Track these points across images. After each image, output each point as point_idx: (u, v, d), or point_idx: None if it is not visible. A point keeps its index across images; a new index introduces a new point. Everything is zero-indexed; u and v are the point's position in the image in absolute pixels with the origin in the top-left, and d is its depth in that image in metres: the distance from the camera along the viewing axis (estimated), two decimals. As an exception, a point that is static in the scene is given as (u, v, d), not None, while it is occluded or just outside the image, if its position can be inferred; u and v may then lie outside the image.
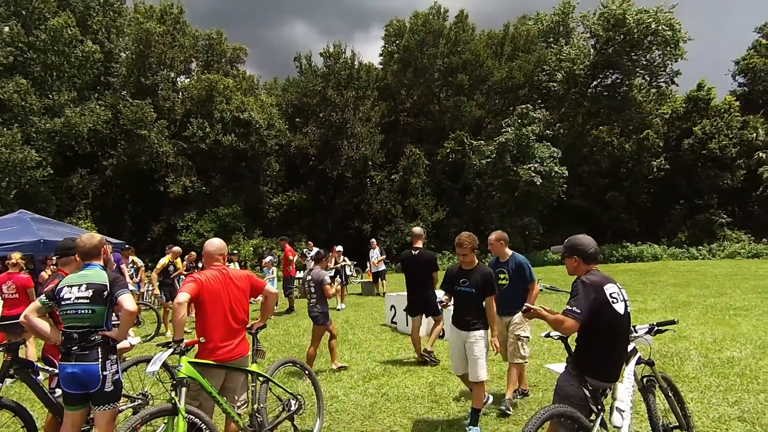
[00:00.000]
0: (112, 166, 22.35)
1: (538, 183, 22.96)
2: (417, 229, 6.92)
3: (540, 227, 24.84)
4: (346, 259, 14.19)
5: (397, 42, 30.33)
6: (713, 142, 25.40)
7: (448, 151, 26.88)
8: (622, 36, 25.89)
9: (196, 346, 3.41)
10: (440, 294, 4.91)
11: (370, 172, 26.37)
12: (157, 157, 22.63)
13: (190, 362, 3.17)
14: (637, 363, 3.28)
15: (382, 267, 14.26)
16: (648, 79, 28.01)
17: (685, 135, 27.12)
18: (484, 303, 4.28)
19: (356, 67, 27.60)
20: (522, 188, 23.50)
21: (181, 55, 25.45)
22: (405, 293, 8.83)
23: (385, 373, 5.78)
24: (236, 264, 11.04)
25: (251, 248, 22.73)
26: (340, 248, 13.69)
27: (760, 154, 25.22)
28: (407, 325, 8.25)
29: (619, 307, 2.78)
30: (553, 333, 2.88)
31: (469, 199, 27.48)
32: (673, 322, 3.45)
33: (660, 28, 25.02)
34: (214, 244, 3.62)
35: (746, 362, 5.71)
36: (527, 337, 4.76)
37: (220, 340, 3.35)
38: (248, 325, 3.69)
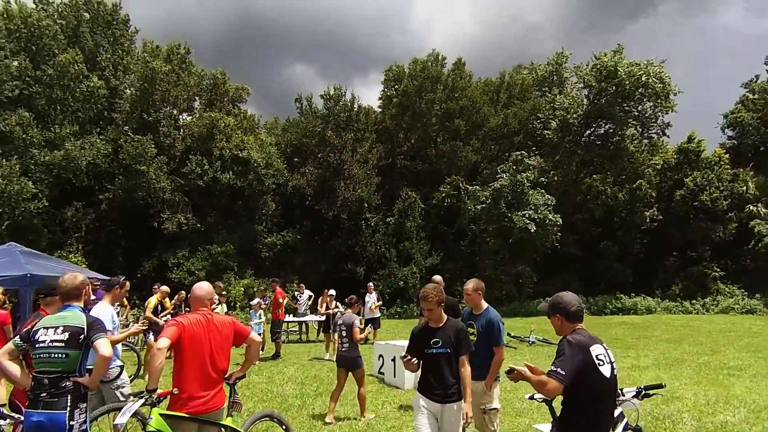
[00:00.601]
0: (108, 201, 22.35)
1: (532, 230, 23.05)
2: (437, 277, 7.06)
3: (534, 275, 24.77)
4: (338, 304, 13.03)
5: (396, 87, 31.12)
6: (705, 194, 25.75)
7: (443, 195, 27.11)
8: (614, 87, 26.68)
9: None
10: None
11: (366, 214, 26.45)
12: (153, 193, 22.68)
13: (161, 414, 3.07)
14: (624, 429, 3.19)
15: (377, 314, 13.92)
16: (640, 129, 28.66)
17: (677, 186, 27.52)
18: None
19: (355, 109, 28.21)
20: (516, 235, 23.57)
21: (185, 93, 25.96)
22: (394, 342, 8.70)
23: (368, 429, 5.60)
24: (223, 306, 10.85)
25: (242, 288, 22.47)
26: (332, 292, 13.33)
27: (751, 208, 25.54)
28: (395, 377, 8.08)
29: (606, 370, 2.71)
30: (537, 395, 2.81)
31: (463, 245, 27.48)
32: (660, 386, 3.39)
33: (650, 80, 25.81)
34: (204, 288, 3.58)
35: (740, 428, 5.58)
36: (495, 409, 4.38)
37: (196, 390, 3.25)
38: (227, 375, 3.59)
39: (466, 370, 3.74)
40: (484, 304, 4.58)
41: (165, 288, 9.38)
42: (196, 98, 28.15)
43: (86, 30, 24.45)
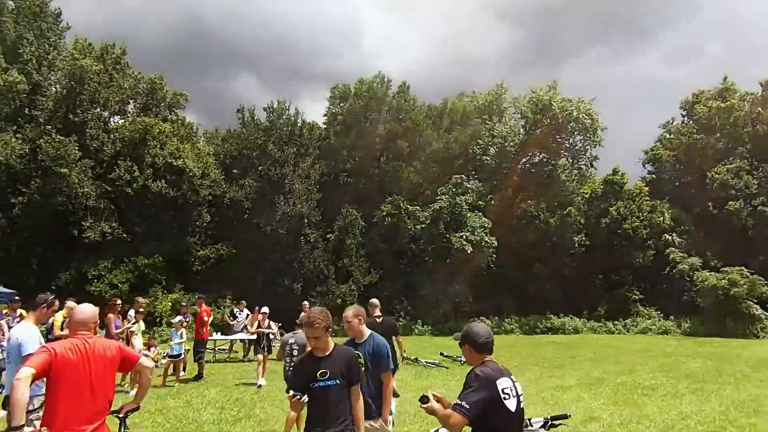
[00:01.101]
0: (22, 205, 20.53)
1: (469, 251, 23.55)
2: (374, 300, 7.26)
3: (470, 295, 25.25)
4: (272, 323, 12.39)
5: (342, 105, 31.23)
6: (627, 222, 27.53)
7: (384, 214, 27.21)
8: (548, 120, 28.16)
9: None
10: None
11: (305, 230, 26.01)
12: (75, 198, 21.13)
13: None
14: None
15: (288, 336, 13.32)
16: (571, 160, 30.34)
17: (602, 214, 29.25)
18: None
19: (299, 124, 27.93)
20: (454, 255, 23.98)
21: (117, 96, 24.62)
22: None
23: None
24: (141, 323, 10.10)
25: (170, 303, 21.24)
26: (265, 310, 12.33)
27: (667, 237, 27.56)
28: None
29: (511, 404, 2.68)
30: (442, 430, 2.72)
31: (402, 263, 27.61)
32: (565, 416, 3.41)
33: (581, 116, 27.49)
34: (87, 312, 3.20)
35: (649, 449, 5.79)
36: None
37: (73, 425, 2.87)
38: (117, 408, 3.24)
39: (359, 404, 3.37)
40: (367, 331, 4.12)
41: (71, 303, 8.56)
42: (130, 101, 26.78)
43: (9, 20, 22.69)
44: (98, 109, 23.95)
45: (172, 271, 23.28)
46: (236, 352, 15.35)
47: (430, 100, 34.80)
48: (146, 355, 12.68)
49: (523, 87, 31.00)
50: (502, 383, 2.68)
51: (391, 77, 31.76)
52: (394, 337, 6.84)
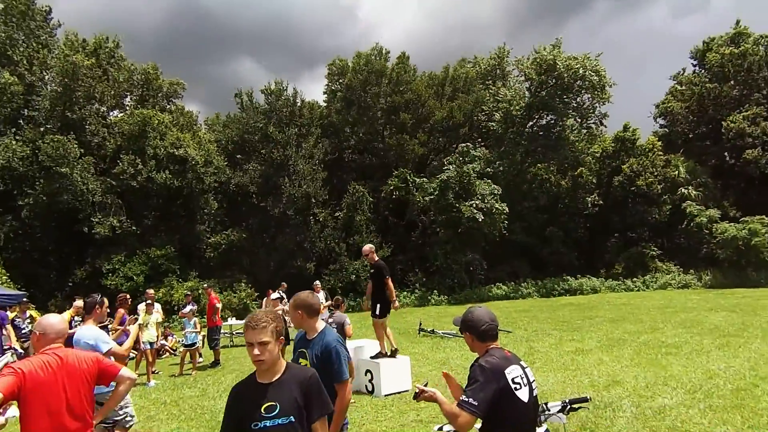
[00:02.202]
0: (29, 206, 20.55)
1: (480, 219, 23.23)
2: (367, 247, 7.97)
3: (483, 263, 25.05)
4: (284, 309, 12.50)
5: (340, 81, 30.60)
6: (641, 179, 26.89)
7: (392, 188, 26.88)
8: (554, 80, 27.28)
9: None
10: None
11: (314, 210, 25.84)
12: (81, 196, 21.07)
13: None
14: None
15: (326, 314, 12.98)
16: (579, 120, 29.54)
17: (615, 173, 28.60)
18: None
19: (299, 104, 27.45)
20: (465, 224, 23.69)
21: (113, 90, 24.32)
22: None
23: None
24: (156, 315, 10.02)
25: (185, 291, 21.30)
26: (276, 296, 11.94)
27: (683, 190, 26.90)
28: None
29: (523, 394, 2.40)
30: (446, 427, 2.46)
31: (414, 236, 27.42)
32: (585, 400, 3.15)
33: (587, 73, 26.59)
34: (54, 325, 2.94)
35: (677, 412, 5.56)
36: None
37: None
38: (101, 417, 3.04)
39: None
40: (320, 325, 3.24)
41: (79, 302, 8.49)
42: (127, 94, 26.49)
43: (-4, 21, 22.32)
44: (95, 105, 23.69)
45: (185, 260, 23.35)
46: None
47: (430, 69, 34.02)
48: (163, 345, 12.82)
49: (526, 49, 30.05)
50: (512, 372, 2.40)
51: (390, 49, 31.03)
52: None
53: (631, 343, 9.93)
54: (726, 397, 6.04)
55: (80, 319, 8.55)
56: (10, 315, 8.13)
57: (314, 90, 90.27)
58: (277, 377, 2.34)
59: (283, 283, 14.82)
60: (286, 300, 11.96)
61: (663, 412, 5.58)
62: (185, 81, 28.77)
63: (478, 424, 2.47)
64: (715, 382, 6.71)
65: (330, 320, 6.92)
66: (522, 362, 2.54)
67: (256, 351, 2.27)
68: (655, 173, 27.23)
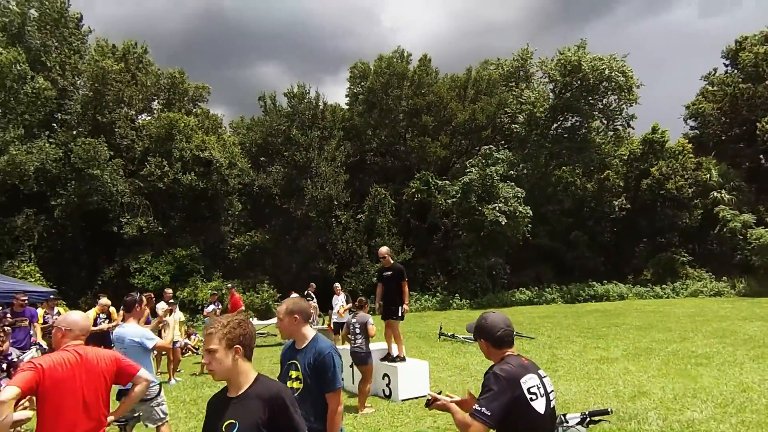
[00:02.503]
0: (61, 207, 21.20)
1: (503, 222, 22.93)
2: (383, 249, 8.14)
3: (506, 267, 24.70)
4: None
5: (362, 83, 30.68)
6: (670, 182, 26.11)
7: (413, 190, 26.79)
8: (578, 81, 26.80)
9: None
10: None
11: (336, 212, 25.95)
12: (110, 197, 21.65)
13: None
14: None
15: (346, 317, 11.78)
16: (605, 122, 28.94)
17: (643, 175, 27.84)
18: None
19: (321, 107, 27.66)
20: (487, 228, 23.42)
21: (140, 94, 24.93)
22: (349, 347, 8.34)
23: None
24: (177, 314, 10.17)
25: (209, 291, 21.67)
26: (295, 296, 12.38)
27: (715, 194, 26.01)
28: (353, 383, 7.66)
29: (540, 405, 2.30)
30: None
31: (436, 239, 27.26)
32: (606, 412, 3.00)
33: (613, 74, 26.04)
34: (78, 322, 2.95)
35: (707, 426, 5.33)
36: None
37: None
38: (115, 417, 3.05)
39: None
40: (310, 333, 2.99)
41: (104, 300, 8.68)
42: (154, 98, 27.12)
43: (33, 29, 23.13)
44: (124, 109, 24.33)
45: (210, 261, 23.75)
46: (274, 335, 15.49)
47: (453, 71, 33.80)
48: (186, 343, 13.01)
49: (550, 50, 29.58)
50: (528, 382, 2.30)
51: (412, 51, 30.99)
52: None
53: (659, 352, 9.60)
54: (760, 411, 5.76)
55: (105, 316, 8.76)
56: (40, 312, 8.36)
57: (336, 93, 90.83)
58: (241, 391, 2.11)
59: (312, 284, 14.89)
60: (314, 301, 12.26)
61: (692, 426, 5.35)
62: (210, 84, 29.27)
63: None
64: (749, 395, 6.41)
65: (353, 320, 7.03)
66: (540, 371, 2.44)
67: (205, 360, 2.13)
68: (686, 176, 26.40)
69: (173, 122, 23.43)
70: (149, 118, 26.27)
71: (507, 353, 2.42)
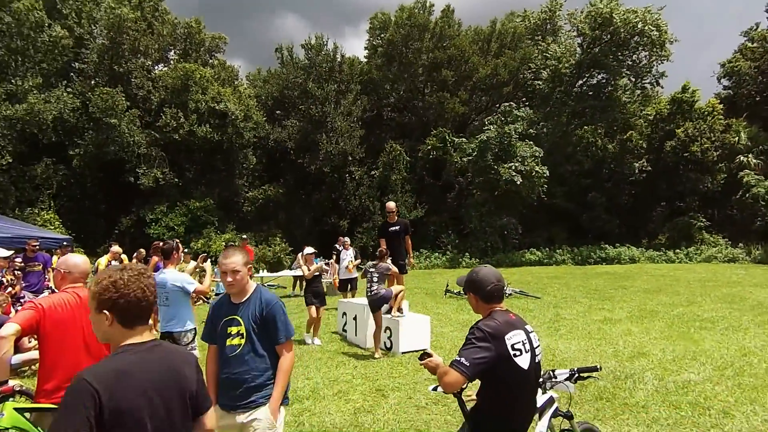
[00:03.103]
0: (79, 156, 21.57)
1: (518, 182, 22.59)
2: (390, 204, 8.34)
3: (519, 227, 24.53)
4: (322, 264, 11.14)
5: (382, 35, 29.78)
6: (695, 145, 25.21)
7: (429, 147, 26.44)
8: (608, 36, 25.50)
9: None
10: None
11: (350, 168, 25.86)
12: (127, 147, 21.91)
13: (17, 408, 2.65)
14: (554, 416, 2.83)
15: (355, 273, 11.18)
16: (633, 80, 27.69)
17: (668, 137, 26.90)
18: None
19: (338, 60, 27.05)
20: (502, 187, 23.13)
21: (157, 43, 24.68)
22: (356, 300, 8.47)
23: (313, 395, 5.34)
24: (189, 264, 10.40)
25: (223, 243, 22.15)
26: (310, 250, 10.72)
27: (741, 158, 25.09)
28: (356, 335, 7.85)
29: (523, 360, 2.30)
30: (441, 388, 2.41)
31: (450, 197, 27.09)
32: (595, 369, 3.01)
33: (647, 28, 24.67)
34: (79, 265, 2.99)
35: (702, 387, 5.35)
36: None
37: (64, 380, 2.77)
38: None
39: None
40: (251, 285, 2.82)
41: (116, 248, 8.91)
42: (171, 48, 26.84)
43: (47, -26, 22.78)
44: (141, 59, 24.18)
45: (223, 213, 24.13)
46: (284, 287, 15.86)
47: (477, 23, 32.49)
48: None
49: (582, 1, 27.97)
50: (513, 338, 2.30)
51: (435, 1, 29.74)
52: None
53: (664, 315, 9.57)
54: (758, 376, 5.75)
55: (117, 263, 9.02)
56: (55, 258, 8.66)
57: (356, 46, 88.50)
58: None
59: (342, 237, 13.67)
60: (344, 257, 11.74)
61: (687, 387, 5.38)
62: (227, 35, 28.85)
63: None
64: (749, 359, 6.39)
65: (372, 269, 7.21)
66: (527, 326, 2.44)
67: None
68: (713, 139, 25.42)
69: (189, 73, 23.28)
70: (165, 68, 26.11)
71: (495, 308, 2.42)
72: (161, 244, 9.85)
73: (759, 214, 23.49)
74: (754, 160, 24.86)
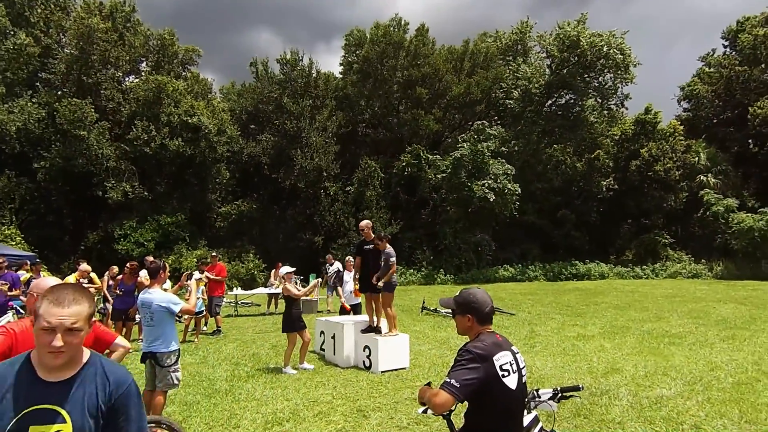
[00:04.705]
0: (45, 169, 20.83)
1: (491, 199, 23.01)
2: (365, 222, 8.07)
3: (492, 243, 24.91)
4: (297, 281, 10.60)
5: (357, 52, 30.09)
6: (659, 164, 26.28)
7: (404, 164, 26.67)
8: (576, 58, 26.53)
9: None
10: None
11: (325, 183, 25.78)
12: (96, 160, 21.29)
13: None
14: None
15: (359, 299, 9.85)
16: (600, 101, 28.80)
17: (633, 156, 27.97)
18: None
19: (314, 75, 27.13)
20: (476, 204, 23.51)
21: (128, 55, 24.24)
22: (335, 319, 8.39)
23: (293, 417, 5.23)
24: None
25: (194, 259, 21.64)
26: (288, 269, 8.25)
27: (702, 178, 26.27)
28: (334, 354, 7.77)
29: (511, 381, 2.35)
30: (431, 411, 2.41)
31: (424, 214, 27.31)
32: (577, 388, 3.07)
33: (611, 51, 25.78)
34: (48, 284, 2.94)
35: (674, 403, 5.50)
36: None
37: None
38: None
39: None
40: (86, 352, 1.83)
41: (85, 266, 8.61)
42: (142, 60, 26.39)
43: (13, -19, 22.21)
44: (111, 70, 23.68)
45: (196, 228, 23.64)
46: (258, 305, 15.59)
47: (450, 42, 33.22)
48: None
49: (550, 24, 29.06)
50: (501, 359, 2.34)
51: (410, 20, 30.26)
52: None
53: (635, 331, 9.83)
54: (726, 390, 5.96)
55: (87, 281, 8.71)
56: (26, 276, 8.31)
57: (331, 62, 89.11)
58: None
59: (349, 257, 11.94)
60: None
61: (660, 402, 5.52)
62: (201, 49, 28.59)
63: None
64: (716, 374, 6.62)
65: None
66: (513, 347, 2.48)
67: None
68: (675, 159, 26.58)
69: (161, 85, 22.90)
70: (137, 80, 25.62)
71: (485, 330, 2.46)
72: (135, 264, 9.61)
73: (719, 231, 24.55)
74: (714, 180, 26.06)
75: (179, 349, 4.89)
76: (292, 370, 7.12)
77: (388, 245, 7.48)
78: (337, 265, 13.44)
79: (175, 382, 4.78)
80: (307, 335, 7.32)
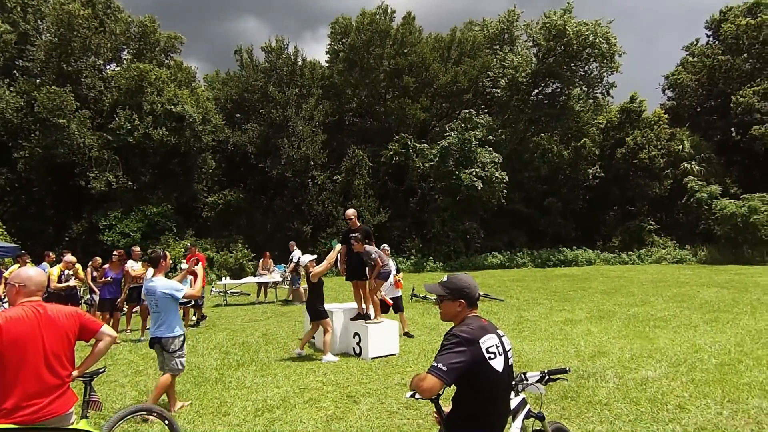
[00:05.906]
0: (25, 159, 20.36)
1: (479, 188, 23.08)
2: (350, 211, 8.23)
3: (480, 231, 25.05)
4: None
5: (344, 40, 29.77)
6: (644, 152, 26.56)
7: (392, 153, 26.60)
8: (562, 47, 26.54)
9: None
10: None
11: (312, 173, 25.64)
12: (77, 150, 20.85)
13: None
14: (526, 417, 2.90)
15: (399, 292, 9.12)
16: (586, 89, 28.93)
17: (618, 145, 28.22)
18: None
19: (299, 64, 26.82)
20: (464, 192, 23.57)
21: (109, 42, 23.69)
22: (328, 306, 8.39)
23: (283, 404, 5.23)
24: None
25: (182, 249, 21.42)
26: (308, 257, 8.02)
27: (686, 165, 26.63)
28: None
29: (498, 363, 2.36)
30: (418, 395, 2.41)
31: (412, 202, 27.33)
32: (564, 371, 3.11)
33: (597, 40, 25.84)
34: (33, 278, 2.85)
35: (659, 384, 5.61)
36: None
37: (25, 399, 2.62)
38: (78, 373, 2.99)
39: None
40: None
41: (69, 257, 8.47)
42: (124, 47, 25.81)
43: (-12, -35, 21.52)
44: (92, 57, 23.12)
45: (182, 218, 23.37)
46: (248, 294, 15.52)
47: (437, 30, 33.03)
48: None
49: (537, 12, 29.05)
50: (487, 342, 2.35)
51: (396, 8, 29.97)
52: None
53: (621, 315, 9.99)
54: (709, 371, 6.09)
55: (71, 273, 8.57)
56: (12, 269, 8.15)
57: (316, 50, 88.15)
58: None
59: (385, 245, 11.22)
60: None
61: (645, 384, 5.63)
62: (185, 36, 28.03)
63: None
64: (700, 356, 6.76)
65: (374, 254, 7.44)
66: (498, 331, 2.49)
67: None
68: (659, 147, 26.88)
69: (144, 74, 22.44)
70: (118, 68, 25.04)
71: (470, 314, 2.46)
72: (122, 252, 9.49)
73: (702, 217, 24.98)
74: (697, 167, 26.44)
75: (184, 334, 5.13)
76: (333, 357, 7.11)
77: (366, 246, 7.40)
78: (297, 252, 13.48)
79: (180, 367, 5.03)
80: (329, 323, 7.33)
